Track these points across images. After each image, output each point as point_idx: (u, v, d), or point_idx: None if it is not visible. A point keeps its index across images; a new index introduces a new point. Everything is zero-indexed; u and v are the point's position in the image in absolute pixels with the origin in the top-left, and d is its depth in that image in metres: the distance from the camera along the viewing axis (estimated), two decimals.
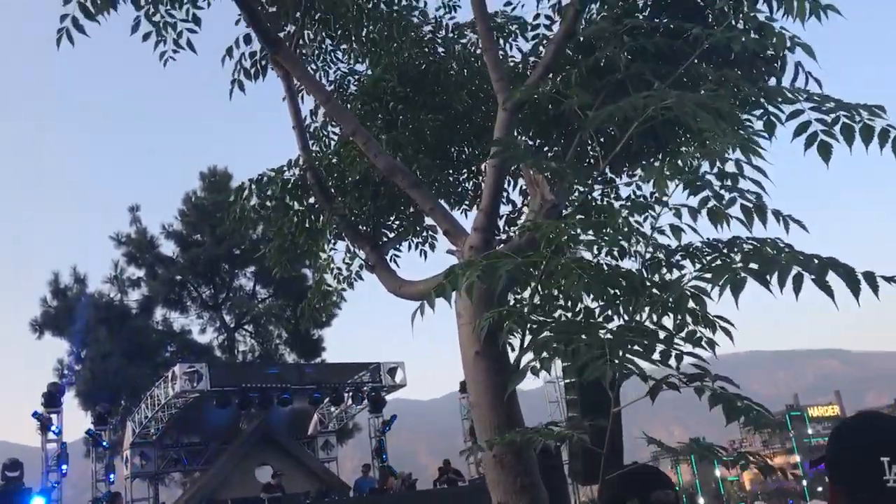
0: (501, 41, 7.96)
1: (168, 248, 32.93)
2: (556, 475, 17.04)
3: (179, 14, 6.68)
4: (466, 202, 8.60)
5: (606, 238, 4.39)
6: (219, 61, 7.43)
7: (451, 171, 8.36)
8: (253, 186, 7.80)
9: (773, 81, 6.11)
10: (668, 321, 3.98)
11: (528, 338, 4.22)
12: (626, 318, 4.08)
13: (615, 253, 4.55)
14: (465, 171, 8.69)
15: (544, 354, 3.80)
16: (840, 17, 5.10)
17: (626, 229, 4.29)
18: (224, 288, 33.23)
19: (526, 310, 4.33)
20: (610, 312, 4.18)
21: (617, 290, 4.16)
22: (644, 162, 7.59)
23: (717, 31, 4.82)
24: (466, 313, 5.34)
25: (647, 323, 3.97)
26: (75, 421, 25.37)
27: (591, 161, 6.93)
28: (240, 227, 7.76)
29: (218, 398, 22.51)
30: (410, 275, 7.33)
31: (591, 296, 4.18)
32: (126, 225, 33.13)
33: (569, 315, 4.44)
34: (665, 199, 4.21)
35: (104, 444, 22.80)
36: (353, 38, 7.97)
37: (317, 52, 8.58)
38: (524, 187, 8.07)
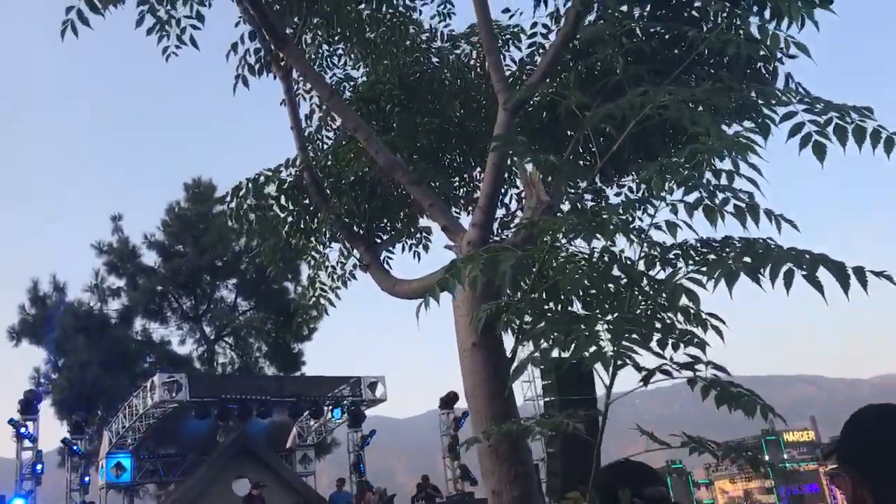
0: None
1: (150, 258, 32.79)
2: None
3: (184, 10, 6.78)
4: (456, 210, 8.71)
5: (603, 233, 4.50)
6: (208, 65, 7.53)
7: (443, 177, 8.48)
8: (250, 186, 7.86)
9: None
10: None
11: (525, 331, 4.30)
12: (619, 311, 4.18)
13: (604, 256, 4.66)
14: (456, 177, 8.82)
15: (543, 345, 3.89)
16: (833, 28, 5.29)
17: (620, 225, 4.40)
18: (205, 299, 33.05)
19: (523, 303, 4.42)
20: (607, 306, 4.28)
21: (613, 285, 4.26)
22: (633, 172, 7.75)
23: (712, 35, 4.98)
24: (464, 305, 5.43)
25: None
26: (51, 430, 25.05)
27: (588, 163, 7.06)
28: (237, 225, 7.80)
29: (197, 409, 22.33)
30: (402, 276, 7.42)
31: (589, 289, 4.27)
32: (108, 234, 32.92)
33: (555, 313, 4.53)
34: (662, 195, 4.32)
35: (80, 452, 22.52)
36: (355, 42, 8.09)
37: (313, 56, 8.69)
38: (517, 193, 8.23)
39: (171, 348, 32.22)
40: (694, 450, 4.09)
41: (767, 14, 5.87)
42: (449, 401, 25.75)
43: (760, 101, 4.88)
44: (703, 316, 4.13)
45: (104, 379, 28.51)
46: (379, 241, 7.99)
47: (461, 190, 8.88)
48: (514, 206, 8.21)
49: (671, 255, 4.39)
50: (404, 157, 7.90)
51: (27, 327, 30.22)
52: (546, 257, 4.33)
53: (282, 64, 7.71)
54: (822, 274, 3.69)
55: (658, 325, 4.02)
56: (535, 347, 3.88)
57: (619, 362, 3.60)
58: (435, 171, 8.26)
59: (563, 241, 4.56)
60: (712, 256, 4.24)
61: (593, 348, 3.58)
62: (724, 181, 4.21)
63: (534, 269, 4.40)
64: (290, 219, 8.01)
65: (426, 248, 8.42)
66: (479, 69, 8.82)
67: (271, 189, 7.87)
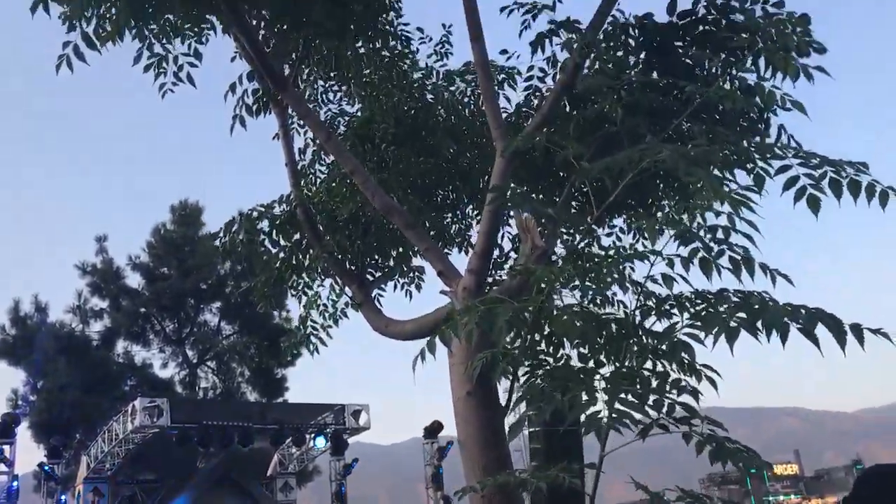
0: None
1: (134, 280, 32.46)
2: None
3: (181, 48, 6.80)
4: (448, 248, 8.74)
5: (598, 284, 4.51)
6: (196, 94, 7.54)
7: (436, 214, 8.51)
8: (242, 221, 7.84)
9: (757, 141, 6.38)
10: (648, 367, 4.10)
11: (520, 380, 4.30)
12: (616, 364, 4.19)
13: (598, 301, 4.68)
14: (449, 214, 8.85)
15: (539, 403, 3.88)
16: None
17: (616, 276, 4.42)
18: (188, 322, 32.76)
19: (517, 352, 4.42)
20: (602, 358, 4.29)
21: (609, 335, 4.27)
22: (625, 214, 7.81)
23: (709, 89, 5.04)
24: (459, 353, 5.42)
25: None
26: (27, 453, 24.63)
27: (578, 209, 7.11)
28: (226, 259, 7.78)
29: (178, 435, 22.05)
30: (393, 315, 7.41)
31: (584, 341, 4.27)
32: (92, 255, 32.64)
33: (551, 360, 4.53)
34: (657, 248, 4.35)
35: (56, 477, 22.14)
36: (352, 81, 8.14)
37: (309, 92, 8.74)
38: (511, 234, 8.26)
39: (153, 371, 31.84)
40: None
41: (762, 63, 5.97)
42: (433, 430, 25.58)
43: (756, 155, 4.93)
44: (698, 367, 4.16)
45: (84, 402, 28.11)
46: (371, 279, 7.99)
47: (454, 226, 8.91)
48: (507, 246, 8.25)
49: (667, 307, 4.42)
50: (398, 194, 7.93)
51: (7, 348, 29.80)
52: (542, 306, 4.34)
53: (279, 100, 7.73)
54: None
55: (652, 378, 4.04)
56: (531, 404, 3.88)
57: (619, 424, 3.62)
58: (428, 208, 8.29)
59: (559, 288, 4.58)
60: (707, 309, 4.27)
61: (590, 411, 3.60)
62: (720, 235, 4.25)
63: (529, 319, 4.41)
64: (281, 255, 8.00)
65: (419, 287, 8.42)
66: (473, 106, 8.89)
67: (264, 225, 7.86)
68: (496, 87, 8.21)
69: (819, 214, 4.29)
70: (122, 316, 31.12)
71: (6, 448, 19.76)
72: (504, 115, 7.90)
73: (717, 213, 4.40)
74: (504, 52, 7.81)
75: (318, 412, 25.36)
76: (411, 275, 8.44)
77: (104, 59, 6.54)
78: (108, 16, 6.41)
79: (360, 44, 8.06)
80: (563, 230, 7.10)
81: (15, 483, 19.37)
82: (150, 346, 32.14)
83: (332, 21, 7.07)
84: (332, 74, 8.41)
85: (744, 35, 6.07)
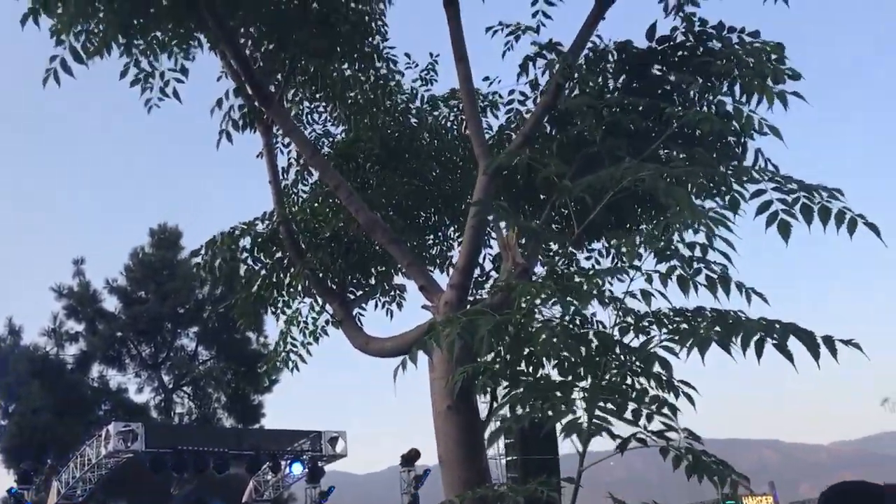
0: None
1: (111, 304, 32.17)
2: None
3: (168, 63, 6.87)
4: (430, 268, 8.79)
5: (578, 299, 4.58)
6: (176, 113, 7.59)
7: (418, 235, 8.58)
8: (224, 238, 7.86)
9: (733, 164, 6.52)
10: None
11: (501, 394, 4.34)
12: (593, 378, 4.24)
13: (578, 321, 4.74)
14: (431, 235, 8.93)
15: (520, 411, 3.92)
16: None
17: (596, 292, 4.49)
18: (165, 347, 32.45)
19: (497, 366, 4.46)
20: (581, 372, 4.34)
21: (588, 350, 4.32)
22: (604, 237, 7.92)
23: (689, 112, 5.17)
24: (440, 368, 5.45)
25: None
26: None
27: (558, 230, 7.21)
28: (209, 278, 7.78)
29: (151, 460, 21.73)
30: (374, 334, 7.43)
31: (564, 354, 4.32)
32: (69, 277, 32.32)
33: (529, 377, 4.58)
34: (637, 264, 4.44)
35: None
36: (338, 101, 8.24)
37: (294, 112, 8.82)
38: (491, 254, 8.34)
39: (128, 396, 31.48)
40: None
41: (738, 89, 6.13)
42: (410, 458, 25.38)
43: (732, 179, 5.04)
44: (676, 383, 4.22)
45: (56, 426, 27.67)
46: (353, 297, 8.01)
47: (435, 248, 8.99)
48: (488, 266, 8.33)
49: (645, 323, 4.49)
50: (381, 214, 7.99)
51: None
52: (523, 321, 4.39)
53: (264, 118, 7.80)
54: (792, 342, 3.82)
55: (631, 392, 4.10)
56: (511, 413, 3.92)
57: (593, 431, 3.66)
58: (410, 229, 8.36)
59: (540, 304, 4.64)
60: (684, 325, 4.34)
61: (569, 417, 3.64)
62: (697, 253, 4.33)
63: (510, 333, 4.46)
64: (263, 272, 8.01)
65: (399, 305, 8.46)
66: (456, 132, 9.03)
67: (246, 242, 7.88)
68: (479, 111, 8.34)
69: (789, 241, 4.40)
70: (97, 339, 30.80)
71: None
72: (486, 137, 8.03)
73: (696, 231, 4.49)
74: (486, 78, 7.97)
75: (294, 438, 25.12)
76: (393, 293, 8.48)
77: (85, 75, 6.59)
78: (95, 30, 6.47)
79: (346, 65, 8.17)
80: (543, 248, 7.19)
81: None
82: (125, 371, 31.82)
83: (319, 41, 7.17)
84: (317, 95, 8.51)
85: (720, 62, 6.24)
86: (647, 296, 4.31)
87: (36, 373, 28.82)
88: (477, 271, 8.19)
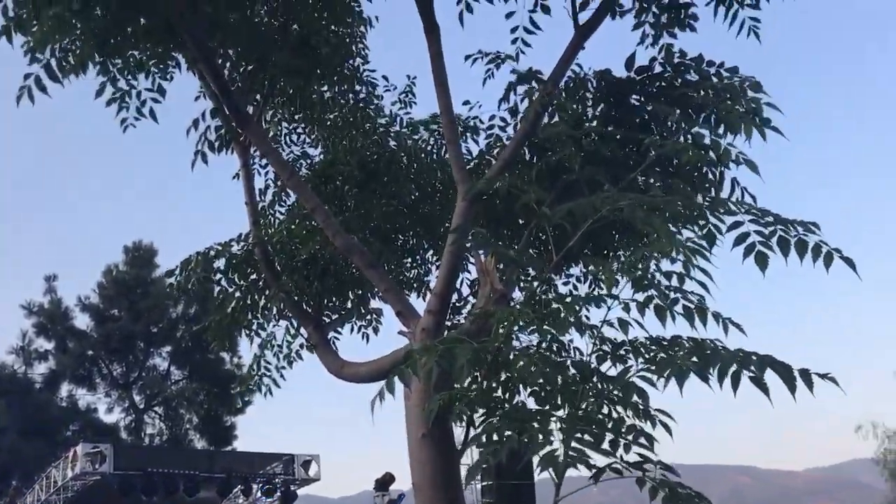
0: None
1: (82, 322, 31.62)
2: None
3: (145, 83, 6.81)
4: (407, 291, 8.75)
5: (556, 327, 4.57)
6: (158, 133, 7.53)
7: (396, 258, 8.55)
8: (199, 259, 7.77)
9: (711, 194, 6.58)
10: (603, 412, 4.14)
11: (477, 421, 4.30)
12: (572, 408, 4.22)
13: (555, 348, 4.73)
14: (409, 258, 8.90)
15: (496, 444, 3.88)
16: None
17: (574, 320, 4.48)
18: (137, 366, 31.95)
19: (473, 395, 4.43)
20: (558, 401, 4.32)
21: (565, 380, 4.30)
22: (582, 263, 7.94)
23: (667, 142, 5.21)
24: (416, 395, 5.40)
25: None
26: None
27: (536, 255, 7.21)
28: (180, 298, 7.70)
29: (120, 482, 21.32)
30: (348, 358, 7.37)
31: (543, 384, 4.30)
32: (40, 294, 31.80)
33: (507, 406, 4.55)
34: (614, 293, 4.44)
35: None
36: (317, 123, 8.22)
37: (273, 132, 8.79)
38: (469, 279, 8.31)
39: (98, 416, 30.89)
40: None
41: (714, 119, 6.20)
42: (384, 482, 25.10)
43: (709, 211, 5.07)
44: (652, 412, 4.21)
45: (22, 447, 27.07)
46: (328, 320, 7.94)
47: (413, 271, 8.96)
48: (466, 290, 8.30)
49: (622, 352, 4.49)
50: (358, 237, 7.95)
51: None
52: (501, 349, 4.37)
53: (241, 139, 7.76)
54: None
55: (608, 422, 4.08)
56: (487, 443, 3.88)
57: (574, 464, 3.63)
58: (388, 252, 8.32)
59: (518, 331, 4.62)
60: (662, 354, 4.34)
61: (547, 449, 3.61)
62: (675, 283, 4.34)
63: (488, 361, 4.43)
64: (237, 294, 7.93)
65: (376, 330, 8.40)
66: (435, 155, 9.03)
67: (221, 263, 7.80)
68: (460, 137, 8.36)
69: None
70: (67, 358, 30.27)
71: None
72: (466, 162, 8.04)
73: (673, 261, 4.50)
74: (467, 102, 8.00)
75: (267, 462, 24.77)
76: (369, 317, 8.42)
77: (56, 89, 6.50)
78: (72, 48, 6.40)
79: (325, 87, 8.17)
80: (522, 275, 7.18)
81: None
82: (95, 390, 31.26)
83: (299, 63, 7.16)
84: (296, 116, 8.49)
85: (698, 93, 6.32)
86: (624, 325, 4.31)
87: (2, 392, 28.24)
88: (455, 296, 8.17)
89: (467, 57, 6.56)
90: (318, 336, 7.42)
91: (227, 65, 7.57)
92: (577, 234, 4.87)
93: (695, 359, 3.96)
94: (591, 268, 7.60)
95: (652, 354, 4.31)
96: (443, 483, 5.16)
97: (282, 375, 8.02)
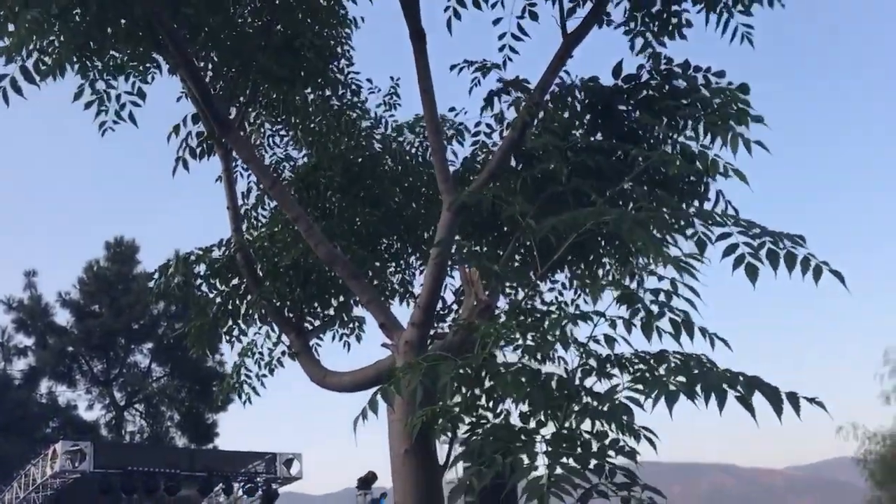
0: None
1: (63, 318, 31.30)
2: None
3: (125, 86, 6.67)
4: (391, 299, 8.68)
5: (541, 342, 4.52)
6: (139, 131, 7.39)
7: (380, 264, 8.45)
8: (178, 263, 7.65)
9: (695, 205, 6.56)
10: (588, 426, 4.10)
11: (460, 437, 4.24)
12: (556, 423, 4.18)
13: (538, 357, 4.68)
14: (393, 264, 8.81)
15: (481, 465, 3.81)
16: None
17: (559, 335, 4.43)
18: (117, 363, 31.67)
19: (457, 409, 4.37)
20: (543, 417, 4.26)
21: (550, 395, 4.26)
22: (567, 270, 7.89)
23: (654, 153, 5.15)
24: (399, 410, 5.32)
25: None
26: None
27: (521, 263, 7.15)
28: (157, 302, 7.59)
29: (100, 481, 21.13)
30: (329, 365, 7.28)
31: (528, 401, 4.25)
32: (19, 290, 31.43)
33: (490, 416, 4.50)
34: (600, 308, 4.40)
35: None
36: (300, 127, 8.11)
37: (255, 136, 8.67)
38: (454, 286, 8.23)
39: (78, 413, 30.61)
40: None
41: (702, 128, 6.16)
42: (367, 481, 25.05)
43: (698, 221, 5.02)
44: (637, 428, 4.17)
45: (0, 444, 26.79)
46: (310, 328, 7.84)
47: (397, 276, 8.87)
48: (450, 298, 8.22)
49: (607, 367, 4.44)
50: (342, 243, 7.86)
51: None
52: (485, 363, 4.31)
53: (223, 142, 7.64)
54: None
55: (592, 440, 4.04)
56: (471, 466, 3.82)
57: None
58: (372, 257, 8.23)
59: (502, 345, 4.58)
60: (648, 371, 4.30)
61: (532, 475, 3.55)
62: (662, 298, 4.30)
63: (472, 374, 4.38)
64: (218, 299, 7.82)
65: (359, 338, 8.31)
66: (420, 158, 8.95)
67: (201, 268, 7.69)
68: (445, 142, 8.28)
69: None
70: (47, 354, 29.96)
71: None
72: (451, 169, 7.96)
73: (660, 278, 4.45)
74: (452, 109, 7.92)
75: (248, 460, 24.63)
76: (351, 325, 8.33)
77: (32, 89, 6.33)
78: (49, 49, 6.25)
79: (309, 90, 8.05)
80: (507, 284, 7.11)
81: None
82: (75, 387, 30.95)
83: (282, 67, 7.05)
84: (279, 119, 8.37)
85: (684, 101, 6.28)
86: (610, 341, 4.27)
87: None
88: (438, 304, 8.09)
89: (453, 66, 6.48)
90: (300, 343, 7.33)
91: (210, 68, 7.44)
92: (561, 248, 4.82)
93: (682, 378, 3.92)
94: (577, 276, 7.56)
95: (637, 370, 4.28)
96: (425, 499, 5.10)
97: (262, 383, 7.93)
